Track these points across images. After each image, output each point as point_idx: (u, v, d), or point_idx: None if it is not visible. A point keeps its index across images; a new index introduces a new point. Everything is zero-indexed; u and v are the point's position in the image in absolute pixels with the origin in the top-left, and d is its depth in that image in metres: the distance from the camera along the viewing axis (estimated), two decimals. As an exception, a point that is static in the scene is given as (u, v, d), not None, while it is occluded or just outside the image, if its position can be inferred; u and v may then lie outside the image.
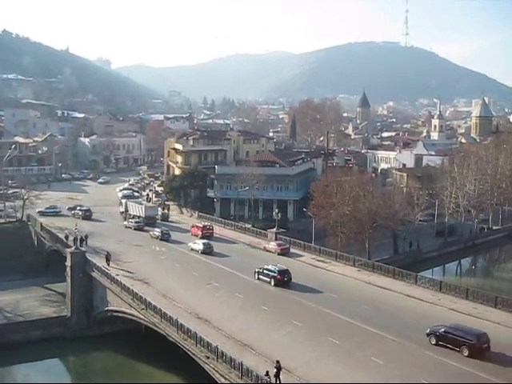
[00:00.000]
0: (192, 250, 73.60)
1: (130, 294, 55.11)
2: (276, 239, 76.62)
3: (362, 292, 56.07)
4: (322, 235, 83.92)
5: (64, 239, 75.55)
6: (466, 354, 39.91)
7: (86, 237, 71.68)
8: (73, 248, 67.30)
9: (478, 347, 39.93)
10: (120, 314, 58.13)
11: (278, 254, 71.82)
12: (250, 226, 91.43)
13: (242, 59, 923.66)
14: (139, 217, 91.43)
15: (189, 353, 43.84)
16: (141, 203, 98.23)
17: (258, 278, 58.91)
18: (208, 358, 41.00)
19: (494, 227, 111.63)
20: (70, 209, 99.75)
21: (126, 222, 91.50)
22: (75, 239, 68.90)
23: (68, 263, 66.25)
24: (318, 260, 68.94)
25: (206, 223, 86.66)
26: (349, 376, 37.24)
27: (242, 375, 37.11)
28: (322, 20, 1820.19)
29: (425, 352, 40.42)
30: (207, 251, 72.01)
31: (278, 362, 36.35)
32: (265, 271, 58.64)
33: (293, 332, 45.04)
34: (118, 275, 60.79)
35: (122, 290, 56.77)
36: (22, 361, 59.12)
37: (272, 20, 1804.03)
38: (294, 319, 47.20)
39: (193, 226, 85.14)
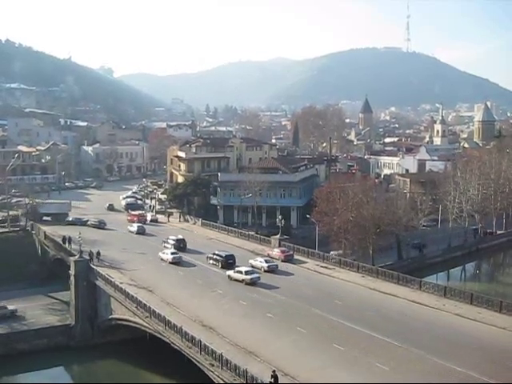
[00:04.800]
0: (129, 231, 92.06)
1: (134, 302, 55.10)
2: (279, 246, 76.46)
3: (367, 298, 55.99)
4: (325, 241, 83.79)
5: (62, 243, 78.59)
6: (219, 266, 67.50)
7: (99, 253, 71.67)
8: (77, 256, 67.42)
9: (224, 262, 67.26)
10: (124, 322, 58.10)
11: (282, 261, 71.56)
12: (253, 232, 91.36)
13: (244, 66, 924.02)
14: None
15: (193, 361, 43.78)
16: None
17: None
18: (213, 365, 40.94)
19: (498, 232, 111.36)
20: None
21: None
22: (90, 254, 70.48)
23: (72, 272, 66.31)
24: (321, 266, 68.84)
25: (141, 212, 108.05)
26: (354, 381, 37.12)
27: (246, 383, 37.01)
28: (324, 26, 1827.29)
29: (430, 357, 40.30)
30: (140, 232, 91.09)
31: (274, 371, 36.35)
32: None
33: (297, 339, 44.95)
34: (122, 283, 60.82)
35: (126, 298, 56.76)
36: (26, 370, 59.03)
37: (273, 27, 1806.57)
38: (298, 326, 47.15)
39: (129, 215, 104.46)
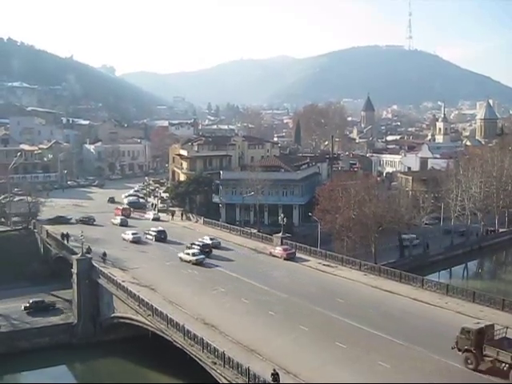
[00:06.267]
0: (113, 224, 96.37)
1: (136, 301, 55.14)
2: (282, 244, 76.54)
3: (369, 296, 55.96)
4: (327, 240, 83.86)
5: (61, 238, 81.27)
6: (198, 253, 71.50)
7: (105, 254, 71.48)
8: (79, 255, 67.49)
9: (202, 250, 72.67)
10: (127, 321, 58.15)
11: (284, 259, 71.86)
12: (255, 231, 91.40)
13: (245, 65, 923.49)
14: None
15: (195, 358, 43.79)
16: None
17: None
18: (215, 363, 40.94)
19: (500, 230, 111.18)
20: None
21: None
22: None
23: (74, 270, 66.39)
24: (324, 264, 68.84)
25: (125, 206, 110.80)
26: (355, 380, 37.09)
27: (249, 380, 37.00)
28: (325, 24, 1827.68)
29: (432, 355, 40.30)
30: (123, 224, 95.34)
31: (274, 369, 36.48)
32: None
33: (299, 337, 44.97)
34: (124, 281, 60.87)
35: (129, 297, 56.80)
36: (28, 368, 59.27)
37: (274, 25, 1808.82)
38: (301, 324, 47.16)
39: (116, 209, 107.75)
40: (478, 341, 38.26)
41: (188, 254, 71.07)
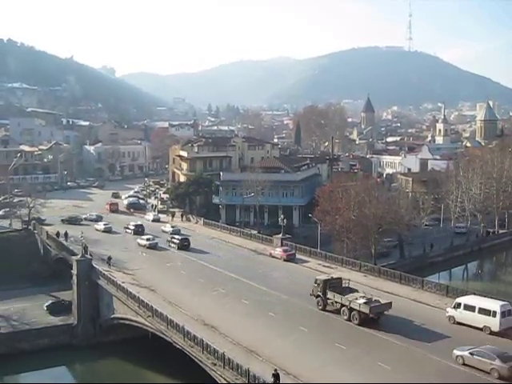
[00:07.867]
0: (85, 219, 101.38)
1: (136, 302, 55.12)
2: (282, 245, 76.47)
3: (369, 297, 55.89)
4: (327, 241, 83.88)
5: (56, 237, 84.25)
6: (176, 248, 79.36)
7: (110, 258, 70.67)
8: (79, 256, 67.47)
9: (180, 244, 79.40)
10: (126, 322, 58.12)
11: (284, 260, 71.81)
12: (255, 232, 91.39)
13: (245, 66, 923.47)
14: None
15: (195, 359, 43.77)
16: None
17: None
18: (215, 364, 40.93)
19: (500, 231, 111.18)
20: None
21: None
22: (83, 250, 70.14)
23: (74, 271, 66.38)
24: (324, 266, 68.66)
25: (114, 201, 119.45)
26: (355, 381, 37.04)
27: (248, 381, 36.99)
28: (325, 25, 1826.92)
29: (432, 357, 40.29)
30: (98, 219, 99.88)
31: (275, 370, 36.45)
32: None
33: (299, 338, 44.91)
34: (124, 282, 60.85)
35: (128, 298, 56.78)
36: (28, 369, 59.17)
37: (274, 26, 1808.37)
38: (301, 325, 47.15)
39: (106, 204, 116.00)
40: (324, 288, 50.66)
41: (143, 239, 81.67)
